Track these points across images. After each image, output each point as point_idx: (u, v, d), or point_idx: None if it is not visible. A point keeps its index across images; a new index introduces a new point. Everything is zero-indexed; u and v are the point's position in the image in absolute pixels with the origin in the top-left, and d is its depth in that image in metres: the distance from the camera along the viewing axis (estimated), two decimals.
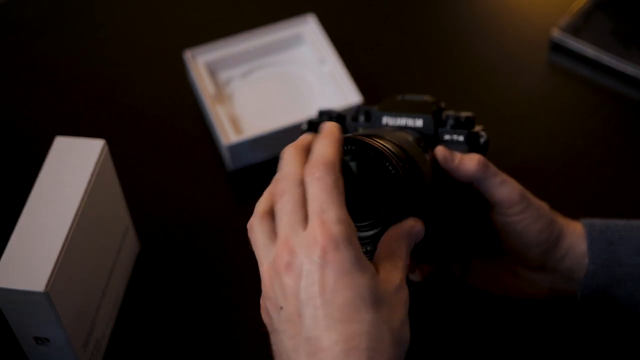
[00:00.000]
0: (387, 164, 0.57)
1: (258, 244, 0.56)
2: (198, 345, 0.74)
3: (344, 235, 0.51)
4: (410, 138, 0.64)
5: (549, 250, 0.67)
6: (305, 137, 0.57)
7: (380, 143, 0.57)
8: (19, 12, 1.04)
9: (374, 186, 0.58)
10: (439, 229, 0.66)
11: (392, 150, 0.58)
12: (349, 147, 0.57)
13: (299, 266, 0.52)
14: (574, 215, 0.70)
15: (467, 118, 0.67)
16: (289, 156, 0.56)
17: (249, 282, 0.77)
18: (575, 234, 0.67)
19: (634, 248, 0.66)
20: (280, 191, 0.55)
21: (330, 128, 0.56)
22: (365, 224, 0.58)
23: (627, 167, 0.86)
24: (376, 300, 0.52)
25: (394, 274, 0.54)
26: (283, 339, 0.53)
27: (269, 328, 0.55)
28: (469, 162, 0.64)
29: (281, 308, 0.53)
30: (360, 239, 0.56)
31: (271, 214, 0.55)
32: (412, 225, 0.57)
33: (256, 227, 0.56)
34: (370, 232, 0.58)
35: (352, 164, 0.58)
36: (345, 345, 0.50)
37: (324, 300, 0.51)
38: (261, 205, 0.57)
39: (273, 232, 0.55)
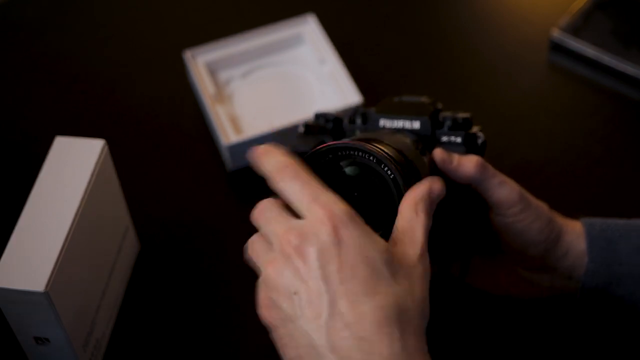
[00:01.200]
0: (386, 168, 0.57)
1: (258, 251, 0.56)
2: (198, 345, 0.74)
3: (347, 212, 0.52)
4: (407, 141, 0.64)
5: (548, 249, 0.67)
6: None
7: (378, 147, 0.57)
8: (19, 12, 1.04)
9: (374, 190, 0.58)
10: (438, 230, 0.66)
11: (391, 154, 0.58)
12: (348, 152, 0.57)
13: (311, 247, 0.52)
14: (574, 215, 0.70)
15: (464, 119, 0.67)
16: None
17: (249, 282, 0.77)
18: (575, 233, 0.67)
19: (634, 247, 0.66)
20: (259, 212, 0.56)
21: (261, 149, 0.56)
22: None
23: (627, 167, 0.86)
24: (393, 272, 0.52)
25: (411, 248, 0.54)
26: (301, 324, 0.52)
27: (276, 322, 0.54)
28: (468, 164, 0.64)
29: (295, 293, 0.52)
30: None
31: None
32: (429, 186, 0.57)
33: (255, 241, 0.57)
34: None
35: (351, 169, 0.58)
36: (376, 317, 0.51)
37: (343, 276, 0.51)
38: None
39: (268, 243, 0.55)
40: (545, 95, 0.94)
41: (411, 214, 0.56)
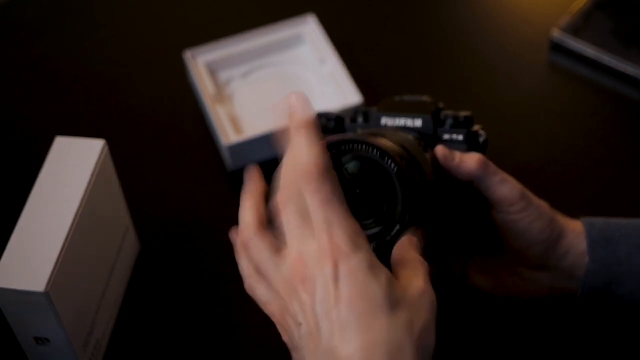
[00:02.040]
0: (389, 161, 0.57)
1: (263, 259, 0.55)
2: (198, 345, 0.74)
3: (353, 245, 0.51)
4: (410, 137, 0.64)
5: (549, 249, 0.67)
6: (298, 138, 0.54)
7: (381, 141, 0.57)
8: (19, 12, 1.04)
9: (376, 184, 0.58)
10: (440, 228, 0.66)
11: (394, 148, 0.58)
12: (350, 146, 0.57)
13: (313, 279, 0.52)
14: (574, 214, 0.70)
15: (465, 117, 0.67)
16: (284, 165, 0.55)
17: None
18: (575, 233, 0.67)
19: (634, 246, 0.66)
20: (284, 201, 0.54)
21: (300, 118, 0.54)
22: (368, 222, 0.58)
23: (627, 167, 0.86)
24: (392, 305, 0.51)
25: (414, 280, 0.54)
26: (305, 354, 0.53)
27: (289, 346, 0.55)
28: (469, 161, 0.64)
29: (300, 324, 0.53)
30: None
31: (266, 226, 0.55)
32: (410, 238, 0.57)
33: (256, 243, 0.56)
34: (373, 231, 0.58)
35: (354, 163, 0.58)
36: (364, 354, 0.50)
37: (339, 312, 0.51)
38: (249, 217, 0.57)
39: (275, 246, 0.55)
40: (545, 95, 0.94)
41: (406, 253, 0.56)
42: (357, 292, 0.51)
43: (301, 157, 0.53)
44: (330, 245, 0.51)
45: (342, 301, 0.51)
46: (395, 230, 0.57)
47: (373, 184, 0.58)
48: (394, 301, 0.52)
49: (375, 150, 0.57)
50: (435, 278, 0.73)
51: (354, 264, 0.51)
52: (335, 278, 0.51)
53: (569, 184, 0.84)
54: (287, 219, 0.54)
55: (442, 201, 0.65)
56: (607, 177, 0.85)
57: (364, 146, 0.57)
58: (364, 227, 0.58)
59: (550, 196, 0.70)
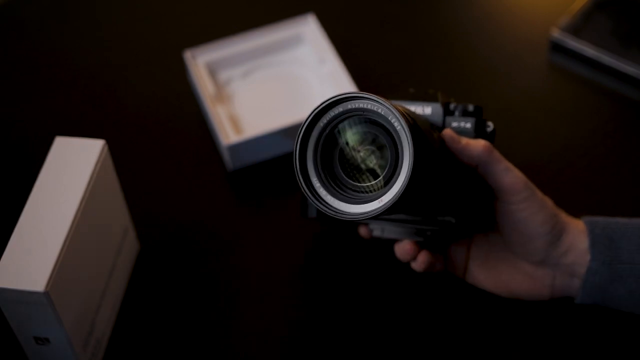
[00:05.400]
0: (394, 120, 0.56)
1: None
2: (198, 345, 0.74)
3: None
4: (421, 118, 0.64)
5: (550, 245, 0.67)
6: None
7: (388, 101, 0.57)
8: (19, 12, 1.04)
9: (380, 145, 0.58)
10: (441, 200, 0.65)
11: (401, 110, 0.57)
12: (356, 105, 0.57)
13: None
14: (575, 214, 0.70)
15: (475, 107, 0.67)
16: None
17: (248, 282, 0.77)
18: (577, 231, 0.68)
19: (636, 245, 0.66)
20: None
21: None
22: (370, 184, 0.58)
23: (627, 167, 0.86)
24: None
25: None
26: None
27: None
28: (475, 145, 0.65)
29: None
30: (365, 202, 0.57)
31: None
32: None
33: None
34: (376, 194, 0.58)
35: (360, 127, 0.58)
36: None
37: None
38: None
39: None
40: (545, 95, 0.94)
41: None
42: None
43: None
44: None
45: None
46: (397, 192, 0.56)
47: (377, 144, 0.58)
48: None
49: (380, 109, 0.56)
50: (436, 278, 0.73)
51: None
52: None
53: (570, 184, 0.84)
54: None
55: (446, 174, 0.65)
56: (607, 177, 0.85)
57: (369, 104, 0.57)
58: (367, 190, 0.58)
59: (551, 196, 0.70)
